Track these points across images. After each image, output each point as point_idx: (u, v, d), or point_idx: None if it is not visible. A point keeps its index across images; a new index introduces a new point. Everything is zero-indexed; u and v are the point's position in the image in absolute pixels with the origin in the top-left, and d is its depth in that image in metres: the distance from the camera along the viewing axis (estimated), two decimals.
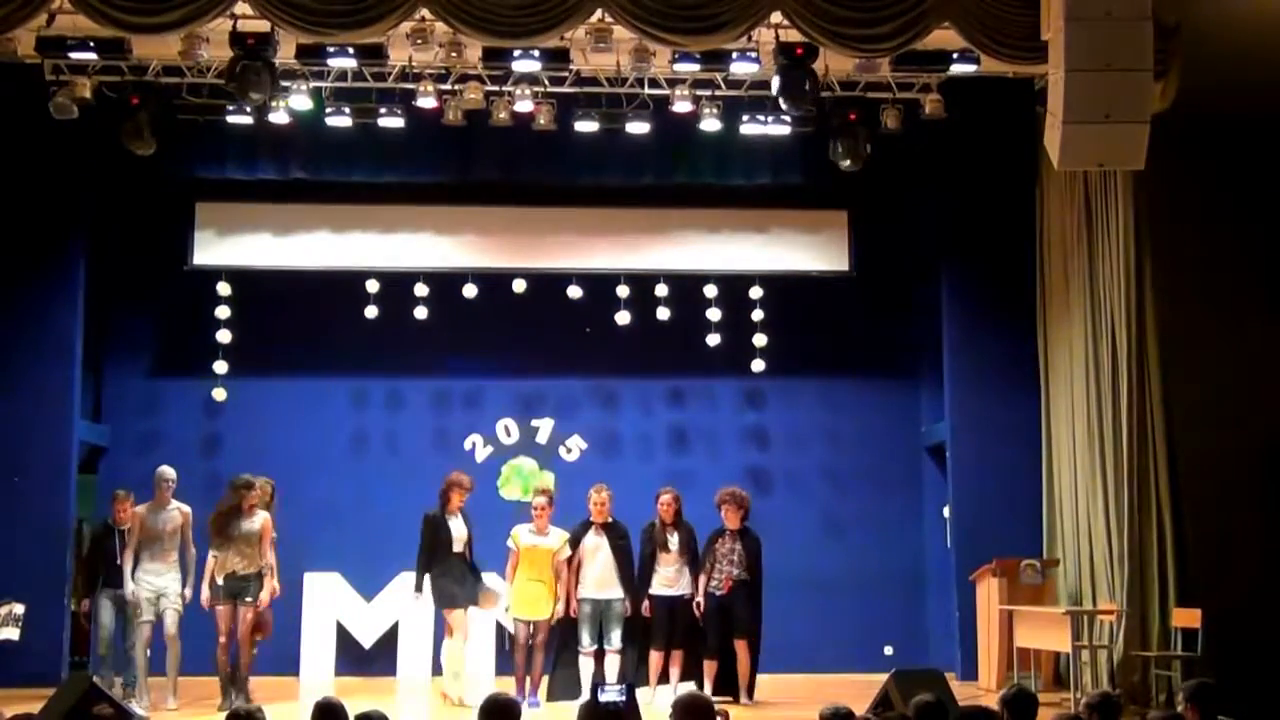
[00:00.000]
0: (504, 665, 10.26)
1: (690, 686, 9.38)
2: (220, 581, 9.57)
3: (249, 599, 9.57)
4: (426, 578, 9.72)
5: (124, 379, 12.10)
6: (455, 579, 9.75)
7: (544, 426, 12.32)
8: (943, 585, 11.76)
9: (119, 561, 9.73)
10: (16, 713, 5.88)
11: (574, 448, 12.30)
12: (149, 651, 9.65)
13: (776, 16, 9.20)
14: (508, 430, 12.29)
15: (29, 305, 11.14)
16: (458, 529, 9.83)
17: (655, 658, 9.82)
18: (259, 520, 9.70)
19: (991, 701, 6.35)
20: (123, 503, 9.95)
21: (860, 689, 9.38)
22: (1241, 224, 10.88)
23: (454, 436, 12.21)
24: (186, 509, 9.85)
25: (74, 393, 11.21)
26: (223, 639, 9.55)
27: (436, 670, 10.10)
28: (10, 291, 11.13)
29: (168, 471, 9.90)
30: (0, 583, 10.32)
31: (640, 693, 9.60)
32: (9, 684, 10.22)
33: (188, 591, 9.80)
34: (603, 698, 6.00)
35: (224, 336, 11.76)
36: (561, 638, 9.90)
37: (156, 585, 9.66)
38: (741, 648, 9.80)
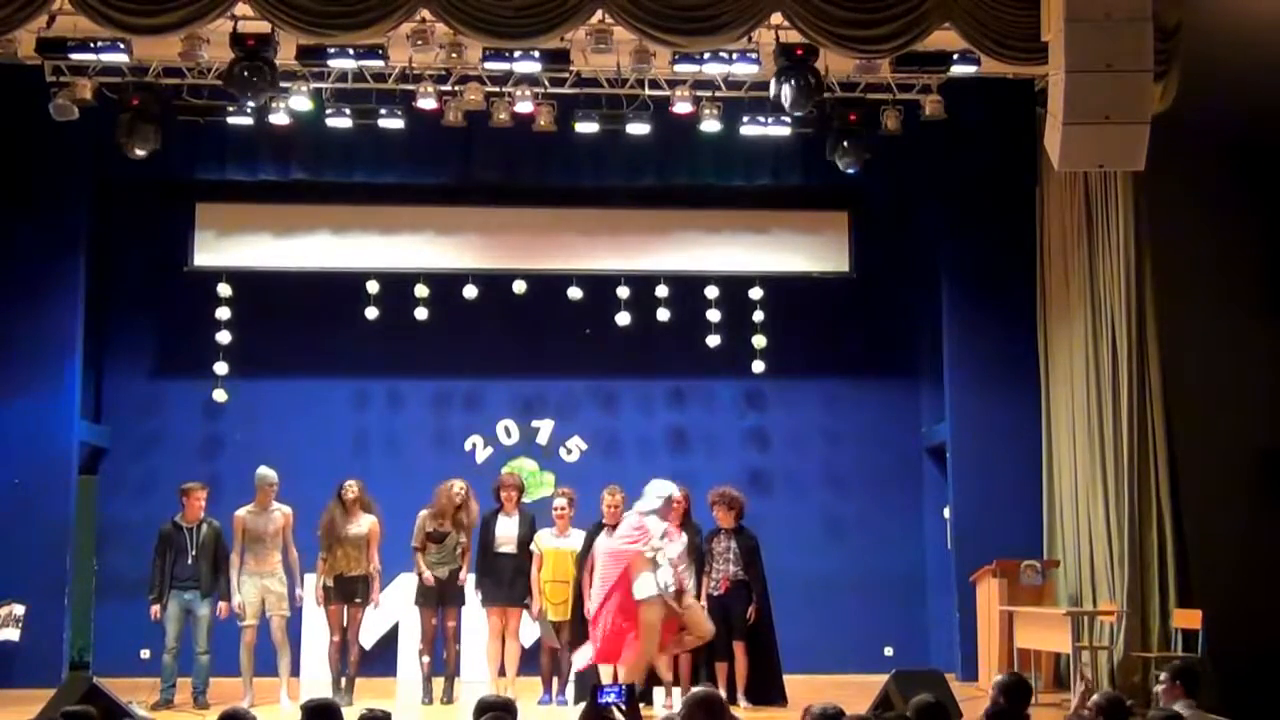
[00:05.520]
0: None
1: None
2: (329, 583, 9.81)
3: (358, 600, 9.85)
4: (472, 577, 10.03)
5: (124, 380, 12.09)
6: (495, 580, 9.92)
7: (544, 427, 12.32)
8: (943, 586, 11.76)
9: (189, 561, 9.69)
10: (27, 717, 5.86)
11: (574, 448, 12.30)
12: (253, 654, 9.74)
13: (777, 18, 9.21)
14: (508, 431, 12.29)
15: (29, 305, 11.15)
16: (506, 529, 9.97)
17: (664, 659, 9.81)
18: (366, 524, 9.90)
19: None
20: (195, 496, 9.84)
21: (860, 689, 9.40)
22: (1241, 224, 10.88)
23: (454, 437, 12.21)
24: (288, 510, 9.90)
25: (74, 393, 11.22)
26: (335, 638, 9.87)
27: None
28: (10, 291, 11.14)
29: (270, 474, 9.88)
30: (1, 583, 10.34)
31: (655, 694, 9.70)
32: (9, 684, 10.24)
33: (300, 592, 9.97)
34: (602, 699, 6.01)
35: (224, 337, 11.75)
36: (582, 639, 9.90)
37: (263, 588, 9.72)
38: (739, 649, 9.77)
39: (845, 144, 10.73)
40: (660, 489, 9.36)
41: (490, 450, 12.23)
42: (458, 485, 10.04)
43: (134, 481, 11.78)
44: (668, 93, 10.69)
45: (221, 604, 9.74)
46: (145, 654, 10.91)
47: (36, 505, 10.89)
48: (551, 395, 12.34)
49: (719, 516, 9.90)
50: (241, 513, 9.83)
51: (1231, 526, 10.33)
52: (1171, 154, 9.25)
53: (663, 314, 11.96)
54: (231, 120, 10.84)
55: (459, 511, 9.98)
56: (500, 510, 10.09)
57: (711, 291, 12.01)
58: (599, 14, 9.16)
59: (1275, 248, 10.98)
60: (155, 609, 9.69)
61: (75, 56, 9.88)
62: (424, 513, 10.04)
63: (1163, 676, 6.94)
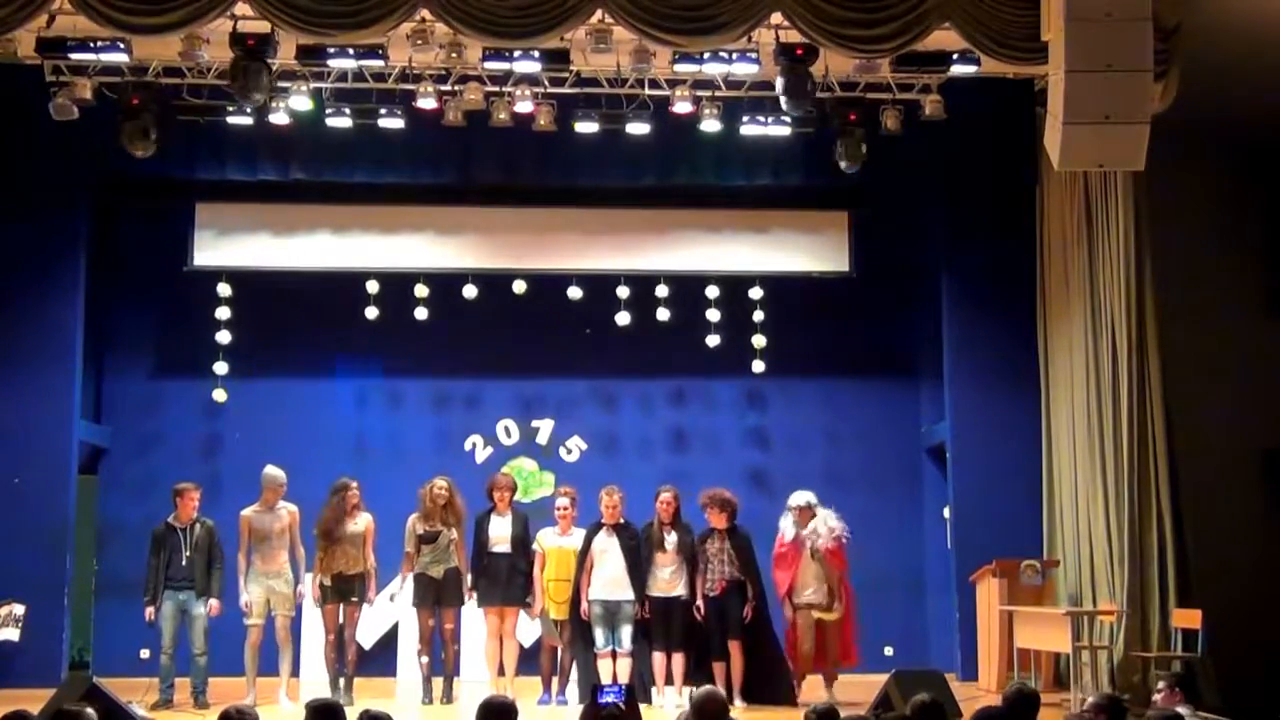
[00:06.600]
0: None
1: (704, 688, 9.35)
2: (327, 582, 9.84)
3: (355, 598, 9.88)
4: (469, 577, 9.98)
5: (124, 379, 12.09)
6: (491, 579, 9.90)
7: (544, 427, 12.32)
8: (943, 586, 11.76)
9: (183, 562, 9.69)
10: (11, 710, 5.84)
11: (574, 448, 12.30)
12: (258, 653, 9.78)
13: (776, 17, 9.21)
14: (508, 431, 12.29)
15: (29, 305, 11.15)
16: (499, 529, 9.96)
17: (658, 659, 9.80)
18: (362, 522, 9.95)
19: (993, 702, 6.36)
20: (188, 496, 9.82)
21: (860, 689, 9.40)
22: (1241, 224, 10.89)
23: (454, 437, 12.20)
24: (294, 509, 9.93)
25: (74, 393, 11.21)
26: (330, 637, 9.90)
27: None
28: (10, 291, 11.14)
29: (278, 474, 9.90)
30: (0, 583, 10.33)
31: (655, 694, 9.70)
32: (9, 684, 10.23)
33: (302, 589, 9.97)
34: (601, 699, 6.01)
35: (224, 337, 11.75)
36: (582, 639, 9.89)
37: (269, 587, 9.75)
38: (735, 649, 9.75)
39: (845, 144, 10.73)
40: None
41: (490, 450, 12.23)
42: (439, 483, 10.03)
43: (134, 481, 11.77)
44: (668, 93, 10.69)
45: (213, 602, 9.70)
46: (145, 654, 10.90)
47: (36, 505, 10.89)
48: (551, 395, 12.34)
49: (711, 518, 9.88)
50: (248, 512, 9.85)
51: (1231, 526, 10.33)
52: (1171, 154, 9.25)
53: (663, 314, 11.95)
54: (231, 120, 10.85)
55: (445, 510, 9.99)
56: (493, 510, 10.07)
57: (711, 291, 12.00)
58: (599, 14, 9.16)
59: (1275, 247, 10.98)
60: (150, 610, 9.68)
61: (75, 56, 9.89)
62: (413, 517, 10.02)
63: (1161, 684, 6.91)
